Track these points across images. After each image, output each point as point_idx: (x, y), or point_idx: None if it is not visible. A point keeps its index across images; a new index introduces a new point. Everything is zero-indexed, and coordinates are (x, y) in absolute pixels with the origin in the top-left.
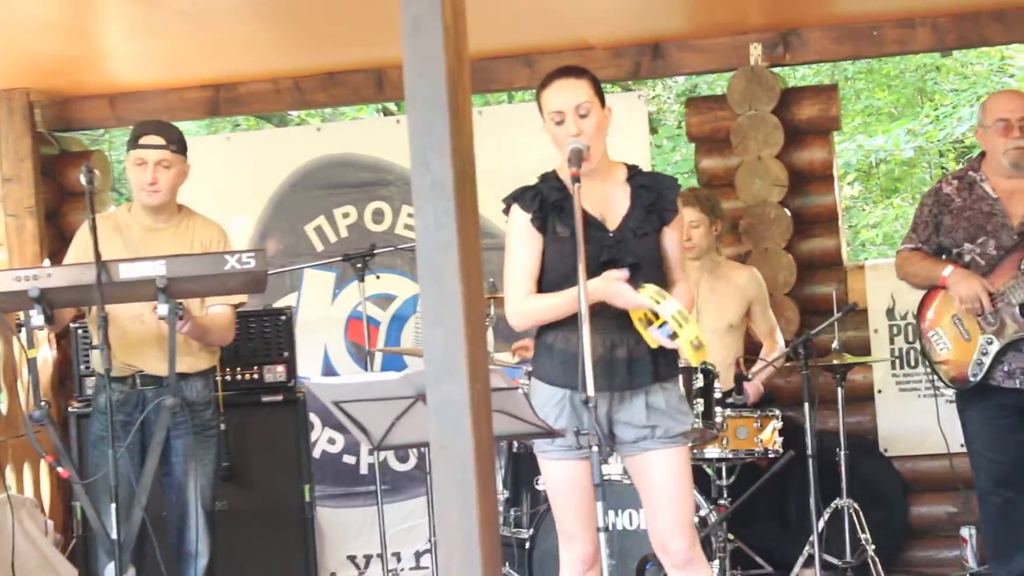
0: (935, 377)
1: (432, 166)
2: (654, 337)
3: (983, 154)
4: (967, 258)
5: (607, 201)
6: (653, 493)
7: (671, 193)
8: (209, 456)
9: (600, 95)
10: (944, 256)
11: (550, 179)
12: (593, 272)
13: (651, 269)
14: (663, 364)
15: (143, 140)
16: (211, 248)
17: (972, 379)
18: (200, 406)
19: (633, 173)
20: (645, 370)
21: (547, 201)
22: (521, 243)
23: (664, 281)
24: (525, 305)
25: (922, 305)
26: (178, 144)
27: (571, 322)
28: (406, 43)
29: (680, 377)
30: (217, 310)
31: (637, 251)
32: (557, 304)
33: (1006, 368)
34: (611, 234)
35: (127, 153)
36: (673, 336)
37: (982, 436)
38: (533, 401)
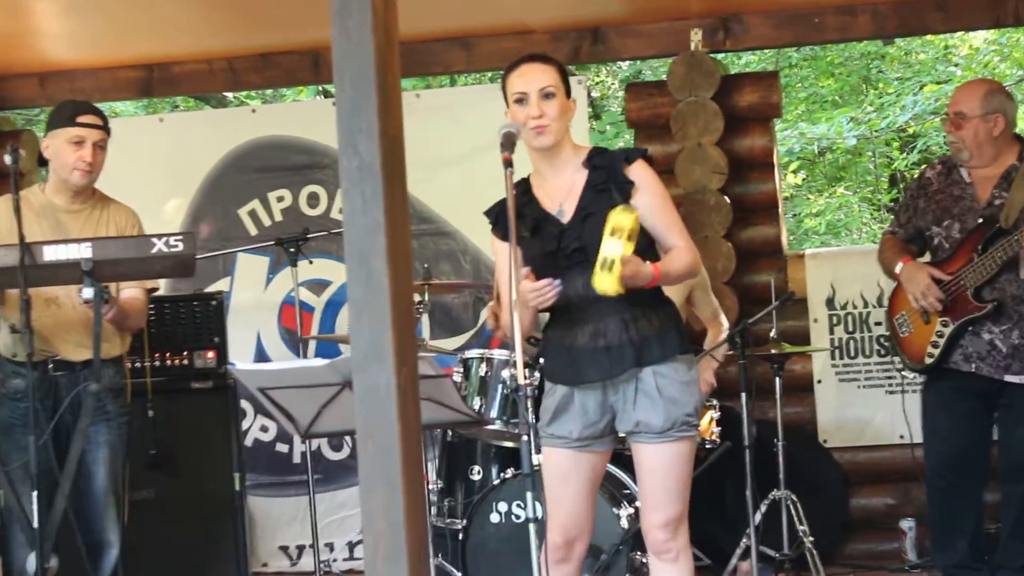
0: (900, 362)
1: (360, 149)
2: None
3: None
4: (935, 241)
5: (568, 191)
6: (640, 482)
7: (620, 165)
8: (120, 444)
9: (567, 84)
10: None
11: (520, 185)
12: (546, 264)
13: None
14: (648, 348)
15: (83, 119)
16: (126, 232)
17: (928, 360)
18: (111, 393)
19: (593, 154)
20: (625, 357)
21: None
22: (497, 256)
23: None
24: (507, 318)
25: (895, 288)
26: (108, 127)
27: (565, 318)
28: (335, 25)
29: (683, 359)
30: (131, 294)
31: (584, 235)
32: (522, 316)
33: (964, 352)
34: (564, 224)
35: (55, 130)
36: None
37: (935, 417)
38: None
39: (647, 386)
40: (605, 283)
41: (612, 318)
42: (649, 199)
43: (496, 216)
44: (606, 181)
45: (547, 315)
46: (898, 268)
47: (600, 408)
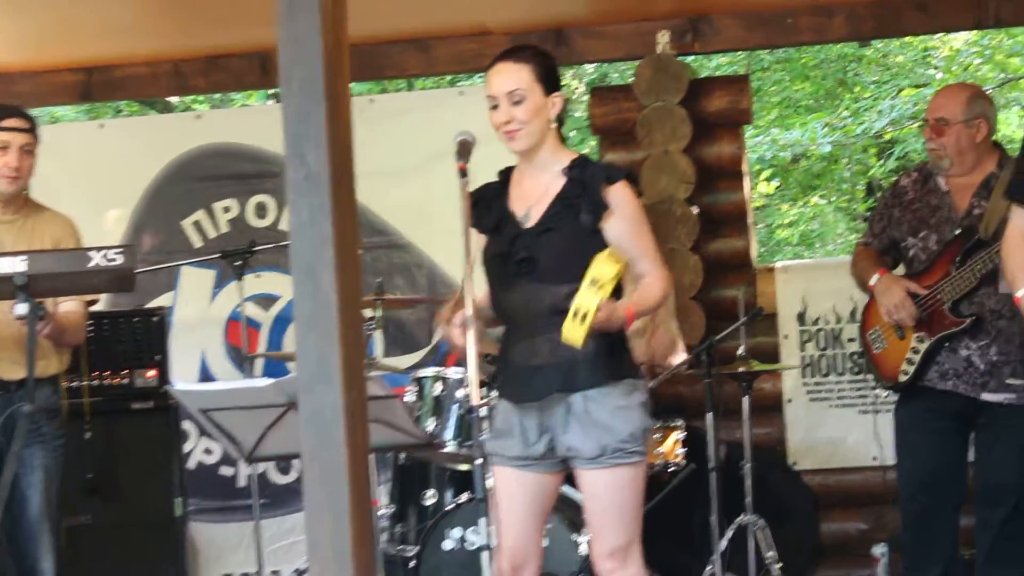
0: (873, 379)
1: (307, 158)
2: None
3: None
4: (911, 252)
5: (537, 195)
6: (585, 508)
7: (598, 185)
8: (55, 468)
9: (546, 81)
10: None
11: (502, 173)
12: (495, 267)
13: (556, 267)
14: (575, 374)
15: (7, 123)
16: (63, 242)
17: (902, 378)
18: (47, 414)
19: (575, 164)
20: (551, 379)
21: (484, 199)
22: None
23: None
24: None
25: (868, 302)
26: (37, 131)
27: (508, 331)
28: (281, 27)
29: (619, 384)
30: (69, 307)
31: (535, 247)
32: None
33: (940, 369)
34: (523, 230)
35: None
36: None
37: (909, 437)
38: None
39: (577, 410)
40: (573, 334)
41: (543, 337)
42: (622, 225)
43: (475, 200)
44: (579, 197)
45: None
46: (873, 280)
47: (538, 429)
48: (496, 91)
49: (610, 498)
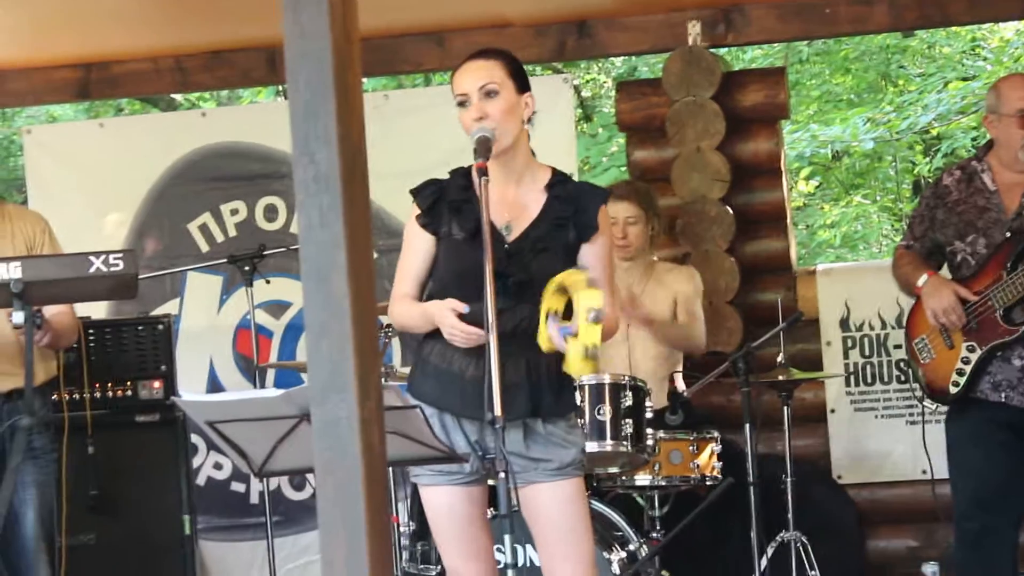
0: (920, 390)
1: (317, 157)
2: (548, 333)
3: (990, 143)
4: (959, 257)
5: (517, 207)
6: (542, 529)
7: (593, 207)
8: (49, 484)
9: (518, 80)
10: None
11: (458, 175)
12: (479, 286)
13: (542, 288)
14: (543, 400)
15: None
16: (36, 242)
17: (953, 390)
18: (37, 426)
19: (556, 181)
20: (518, 402)
21: (444, 199)
22: (409, 241)
23: None
24: (394, 308)
25: (913, 308)
26: None
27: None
28: (287, 19)
29: (570, 416)
30: (57, 309)
31: (532, 267)
32: (411, 315)
33: (992, 380)
34: (507, 245)
35: None
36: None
37: (965, 451)
38: None
39: (538, 430)
40: (584, 369)
41: (513, 356)
42: (603, 248)
43: (431, 203)
44: (569, 218)
45: None
46: (921, 280)
47: (466, 444)
48: (467, 87)
49: (578, 509)
